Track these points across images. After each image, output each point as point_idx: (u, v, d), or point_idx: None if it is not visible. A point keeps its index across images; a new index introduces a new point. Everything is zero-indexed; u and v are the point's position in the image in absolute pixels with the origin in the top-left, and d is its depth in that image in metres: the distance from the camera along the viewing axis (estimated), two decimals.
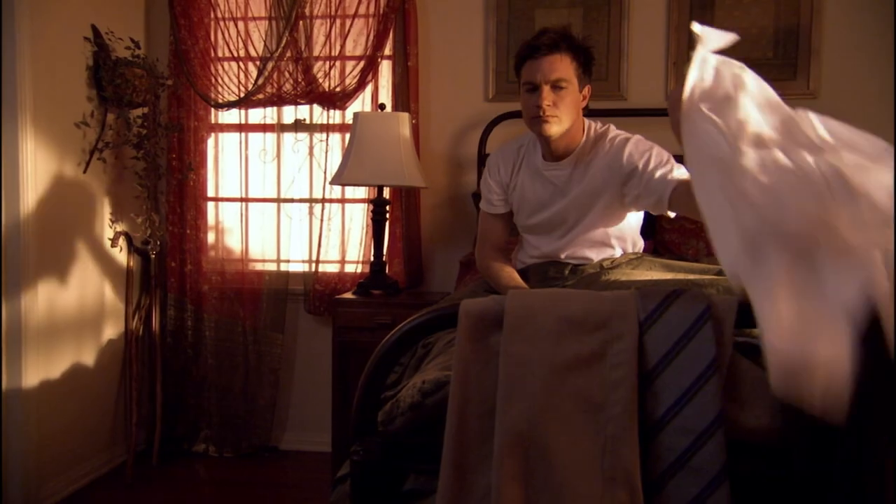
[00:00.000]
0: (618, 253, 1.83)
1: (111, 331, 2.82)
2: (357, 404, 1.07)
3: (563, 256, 1.83)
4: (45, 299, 2.45)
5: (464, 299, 1.04)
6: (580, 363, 0.93)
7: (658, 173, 1.66)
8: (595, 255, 1.81)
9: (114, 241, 2.73)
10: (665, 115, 2.89)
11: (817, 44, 2.63)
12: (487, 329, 0.99)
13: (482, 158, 2.69)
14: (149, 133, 2.76)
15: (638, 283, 1.48)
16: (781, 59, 2.66)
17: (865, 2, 2.61)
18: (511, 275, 1.83)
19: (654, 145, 1.75)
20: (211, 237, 3.00)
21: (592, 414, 0.90)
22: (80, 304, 2.63)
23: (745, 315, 0.89)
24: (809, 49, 2.64)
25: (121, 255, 2.82)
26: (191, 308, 2.92)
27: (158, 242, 2.84)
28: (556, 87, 1.68)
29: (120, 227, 2.80)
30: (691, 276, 1.50)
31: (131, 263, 2.85)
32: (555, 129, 1.71)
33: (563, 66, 1.68)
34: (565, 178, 1.80)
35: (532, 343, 0.94)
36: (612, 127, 1.83)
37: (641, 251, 1.89)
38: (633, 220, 1.84)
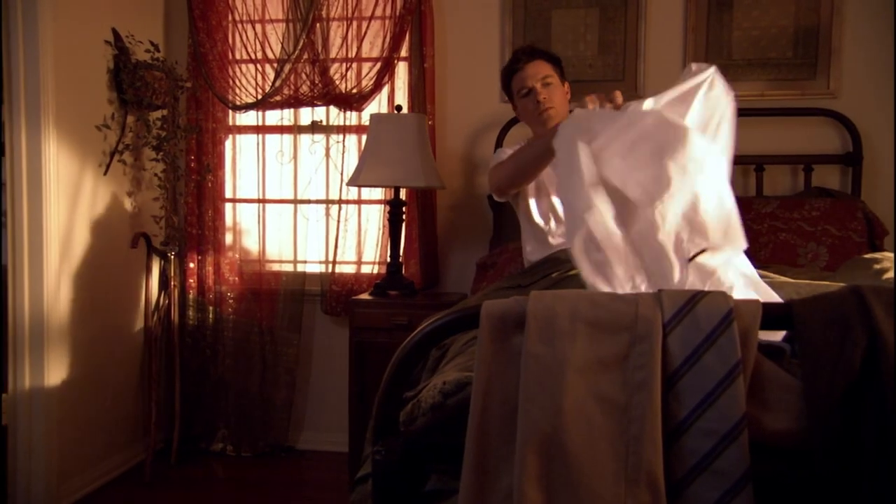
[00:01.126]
0: None
1: (131, 330, 2.85)
2: (379, 404, 1.08)
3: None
4: (67, 299, 2.48)
5: (485, 301, 1.04)
6: (603, 365, 0.93)
7: None
8: None
9: (134, 242, 2.77)
10: None
11: (837, 43, 2.61)
12: (509, 330, 1.00)
13: None
14: (168, 135, 2.79)
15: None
16: (801, 58, 2.64)
17: (884, 2, 2.58)
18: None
19: None
20: (229, 238, 3.03)
21: (615, 416, 0.90)
22: (101, 304, 2.67)
23: (771, 317, 0.89)
24: (830, 49, 2.61)
25: (141, 255, 2.85)
26: (209, 308, 2.95)
27: (177, 243, 2.87)
28: (545, 84, 2.03)
29: (140, 229, 2.84)
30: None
31: (151, 264, 2.88)
32: (555, 117, 2.00)
33: (544, 68, 2.05)
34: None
35: (554, 345, 0.94)
36: None
37: None
38: None
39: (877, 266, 1.25)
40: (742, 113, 2.78)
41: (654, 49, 2.73)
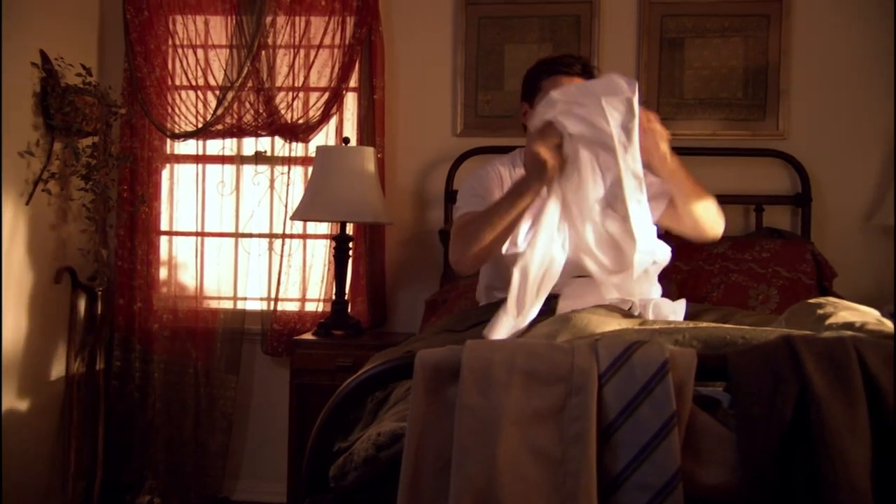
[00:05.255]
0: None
1: (51, 374, 2.75)
2: (308, 459, 1.07)
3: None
4: None
5: (420, 349, 1.05)
6: (539, 417, 0.94)
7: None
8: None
9: (57, 278, 2.69)
10: None
11: (786, 85, 2.75)
12: (444, 381, 1.00)
13: (450, 195, 2.73)
14: (98, 163, 2.74)
15: (604, 333, 1.51)
16: (751, 99, 2.76)
17: (833, 42, 2.74)
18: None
19: None
20: (163, 273, 2.97)
21: (551, 470, 0.91)
22: (18, 345, 2.57)
23: (707, 368, 0.92)
24: (778, 90, 2.75)
25: (65, 291, 2.76)
26: (139, 348, 2.87)
27: (106, 279, 2.80)
28: None
29: (64, 263, 2.76)
30: (657, 326, 1.54)
31: (76, 301, 2.79)
32: None
33: None
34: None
35: (489, 396, 0.95)
36: None
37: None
38: None
39: (820, 311, 1.29)
40: (695, 152, 2.92)
41: None
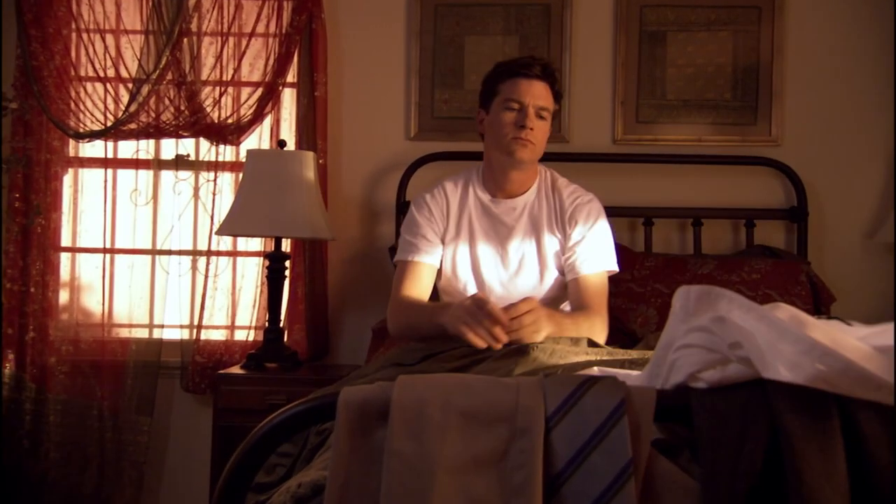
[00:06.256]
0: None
1: None
2: None
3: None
4: None
5: (345, 386, 1.04)
6: (478, 464, 0.93)
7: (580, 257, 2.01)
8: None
9: None
10: (611, 162, 3.03)
11: (779, 86, 2.82)
12: (371, 422, 0.99)
13: (402, 206, 2.73)
14: None
15: (560, 366, 1.52)
16: (741, 101, 2.83)
17: (831, 38, 2.82)
18: (436, 306, 1.93)
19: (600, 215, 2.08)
20: (63, 296, 2.91)
21: None
22: None
23: (666, 408, 0.93)
24: (771, 91, 2.82)
25: None
26: (31, 387, 2.80)
27: None
28: (539, 115, 1.96)
29: None
30: (632, 356, 1.56)
31: None
32: (528, 154, 1.98)
33: (549, 97, 1.98)
34: (515, 218, 2.03)
35: (422, 440, 0.94)
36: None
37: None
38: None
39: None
40: (678, 160, 2.96)
41: (581, 85, 2.87)
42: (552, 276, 2.06)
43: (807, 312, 2.28)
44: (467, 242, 2.09)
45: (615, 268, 2.06)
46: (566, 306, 2.08)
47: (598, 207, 2.09)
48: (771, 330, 0.91)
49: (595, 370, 1.55)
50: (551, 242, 2.05)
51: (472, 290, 2.08)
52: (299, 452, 1.58)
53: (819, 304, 2.43)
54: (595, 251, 2.01)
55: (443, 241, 2.09)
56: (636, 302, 2.43)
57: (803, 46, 2.83)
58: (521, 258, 2.06)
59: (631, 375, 1.39)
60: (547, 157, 2.65)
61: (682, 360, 0.96)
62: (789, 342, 0.89)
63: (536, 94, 1.95)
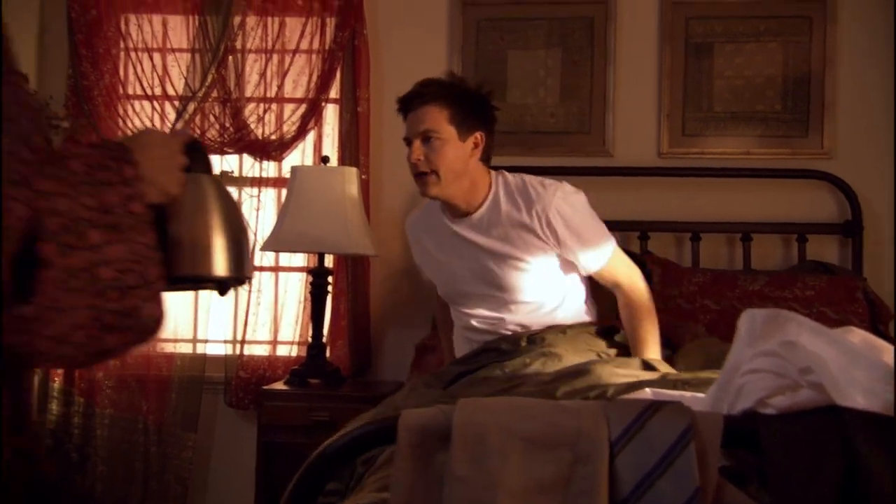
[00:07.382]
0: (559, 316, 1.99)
1: None
2: None
3: (508, 327, 1.98)
4: None
5: (404, 408, 1.04)
6: (540, 489, 0.93)
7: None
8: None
9: None
10: (656, 175, 3.00)
11: (831, 97, 2.78)
12: (432, 446, 0.99)
13: None
14: None
15: (612, 386, 1.51)
16: (791, 112, 2.79)
17: (883, 47, 2.76)
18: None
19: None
20: None
21: None
22: None
23: (733, 434, 0.92)
24: (823, 103, 2.78)
25: None
26: (79, 401, 2.86)
27: None
28: (426, 139, 1.88)
29: None
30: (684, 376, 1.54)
31: None
32: (434, 188, 1.90)
33: (430, 117, 1.88)
34: (474, 234, 1.97)
35: (483, 466, 0.94)
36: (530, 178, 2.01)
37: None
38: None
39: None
40: (726, 173, 2.93)
41: (625, 97, 2.85)
42: (540, 278, 1.97)
43: (864, 330, 2.24)
44: (445, 270, 2.10)
45: (615, 246, 1.98)
46: (569, 296, 2.02)
47: (565, 204, 1.91)
48: (843, 355, 0.90)
49: (647, 391, 1.54)
50: (527, 247, 1.94)
51: (466, 310, 2.08)
52: (346, 486, 1.58)
53: (877, 321, 2.38)
54: (594, 251, 1.95)
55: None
56: (684, 318, 2.40)
57: (855, 56, 2.79)
58: (502, 269, 1.97)
59: (685, 397, 1.38)
60: (589, 171, 2.67)
61: (749, 386, 0.95)
62: (863, 368, 0.87)
63: (419, 120, 1.89)
